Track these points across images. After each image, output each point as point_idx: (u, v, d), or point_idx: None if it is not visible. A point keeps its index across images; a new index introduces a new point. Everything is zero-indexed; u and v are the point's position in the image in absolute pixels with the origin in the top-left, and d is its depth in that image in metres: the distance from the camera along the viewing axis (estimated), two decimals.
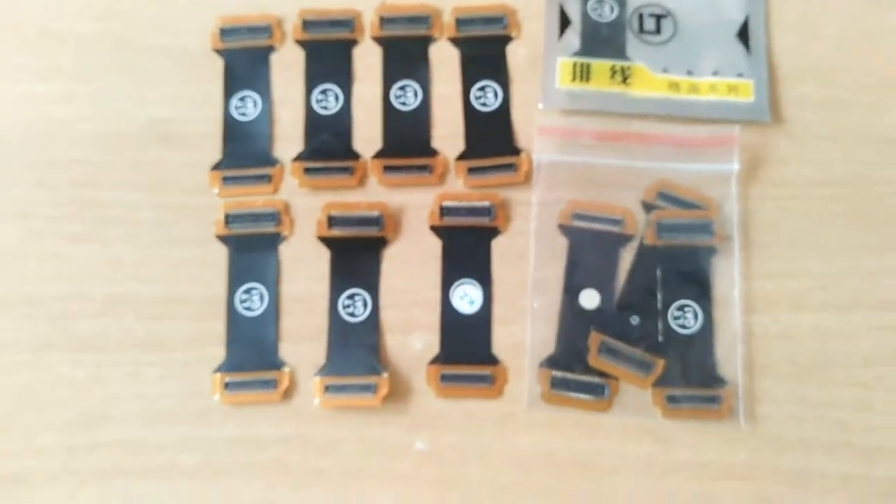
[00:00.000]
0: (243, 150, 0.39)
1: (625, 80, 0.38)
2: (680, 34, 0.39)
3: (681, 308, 0.36)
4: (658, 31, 0.39)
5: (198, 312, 0.37)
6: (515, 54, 0.40)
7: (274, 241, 0.37)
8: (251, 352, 0.36)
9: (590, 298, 0.36)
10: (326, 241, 0.37)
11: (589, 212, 0.37)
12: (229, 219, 0.38)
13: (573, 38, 0.39)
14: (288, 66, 0.40)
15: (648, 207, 0.37)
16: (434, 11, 0.40)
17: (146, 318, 0.37)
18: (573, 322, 0.36)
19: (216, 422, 0.36)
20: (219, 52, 0.40)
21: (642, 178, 0.37)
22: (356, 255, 0.37)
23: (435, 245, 0.37)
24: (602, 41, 0.39)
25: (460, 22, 0.40)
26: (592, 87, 0.38)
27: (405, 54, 0.40)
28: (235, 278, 0.37)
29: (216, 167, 0.38)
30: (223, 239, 0.38)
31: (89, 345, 0.37)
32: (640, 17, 0.40)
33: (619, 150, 0.37)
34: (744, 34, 0.39)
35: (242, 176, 0.38)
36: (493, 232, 0.37)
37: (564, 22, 0.40)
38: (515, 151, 0.38)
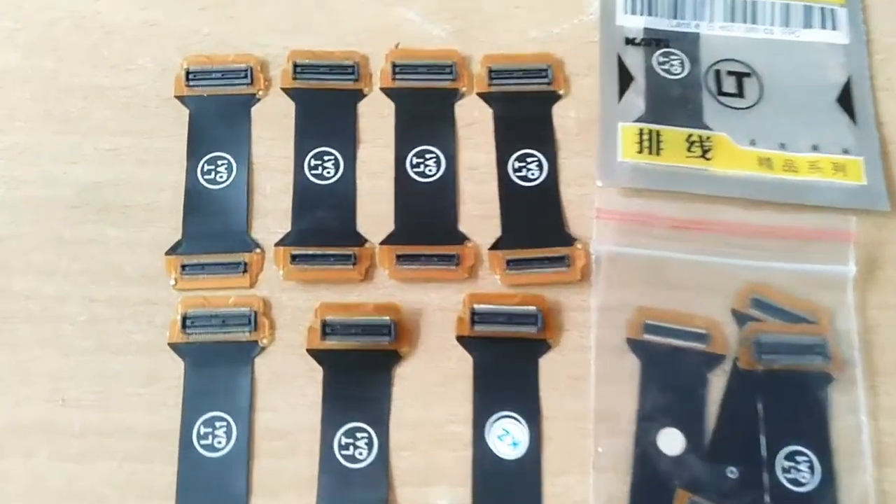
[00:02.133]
0: (211, 228, 0.28)
1: (704, 153, 0.29)
2: (767, 98, 0.30)
3: (792, 457, 0.26)
4: (740, 93, 0.30)
5: (140, 451, 0.26)
6: (564, 116, 0.30)
7: (248, 352, 0.27)
8: None
9: (671, 441, 0.26)
10: (319, 354, 0.27)
11: (665, 322, 0.27)
12: (188, 321, 0.27)
13: (636, 98, 0.30)
14: (273, 121, 0.29)
15: (741, 318, 0.27)
16: (461, 59, 0.30)
17: (65, 458, 0.26)
18: (650, 473, 0.25)
19: None
20: (183, 99, 0.30)
21: (732, 279, 0.28)
22: (359, 374, 0.27)
23: (464, 363, 0.27)
24: (673, 103, 0.30)
25: (494, 73, 0.30)
26: (664, 160, 0.29)
27: (425, 111, 0.30)
28: (194, 404, 0.26)
29: (173, 250, 0.28)
30: (179, 348, 0.27)
31: None
32: (718, 75, 0.31)
33: (701, 243, 0.28)
34: (845, 99, 0.30)
35: (209, 263, 0.27)
36: (541, 347, 0.27)
37: (625, 78, 0.30)
38: (568, 241, 0.28)
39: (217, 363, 0.26)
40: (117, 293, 0.27)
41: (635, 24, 0.31)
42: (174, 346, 0.27)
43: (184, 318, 0.27)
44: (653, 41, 0.31)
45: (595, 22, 0.31)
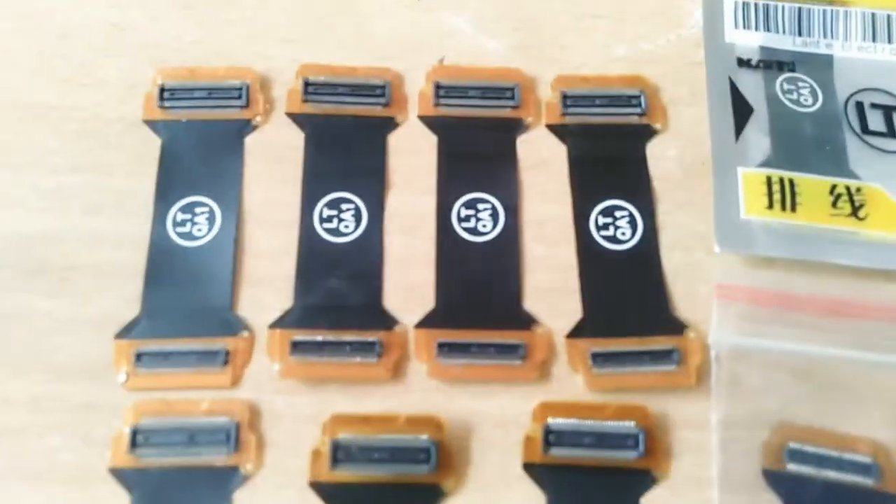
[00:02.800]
0: (181, 300, 0.20)
1: (856, 210, 0.21)
2: None
3: None
4: (891, 132, 0.23)
5: None
6: (662, 157, 0.22)
7: (225, 483, 0.18)
8: None
9: None
10: (327, 489, 0.18)
11: (815, 446, 0.19)
12: (140, 436, 0.18)
13: (759, 135, 0.22)
14: (275, 155, 0.22)
15: None
16: (526, 81, 0.23)
17: None
18: None
19: None
20: (154, 125, 0.22)
21: None
22: None
23: (534, 502, 0.19)
24: (807, 143, 0.22)
25: (569, 100, 0.23)
26: (803, 219, 0.21)
27: (477, 148, 0.22)
28: None
29: (127, 332, 0.20)
30: (124, 476, 0.18)
31: None
32: (860, 108, 0.23)
33: (860, 334, 0.20)
34: None
35: (175, 351, 0.19)
36: (643, 480, 0.19)
37: (741, 109, 0.23)
38: (675, 327, 0.20)
39: (180, 498, 0.18)
40: (42, 392, 0.19)
41: (749, 41, 0.24)
42: (117, 473, 0.18)
43: (134, 432, 0.18)
44: (774, 63, 0.23)
45: (697, 37, 0.24)
